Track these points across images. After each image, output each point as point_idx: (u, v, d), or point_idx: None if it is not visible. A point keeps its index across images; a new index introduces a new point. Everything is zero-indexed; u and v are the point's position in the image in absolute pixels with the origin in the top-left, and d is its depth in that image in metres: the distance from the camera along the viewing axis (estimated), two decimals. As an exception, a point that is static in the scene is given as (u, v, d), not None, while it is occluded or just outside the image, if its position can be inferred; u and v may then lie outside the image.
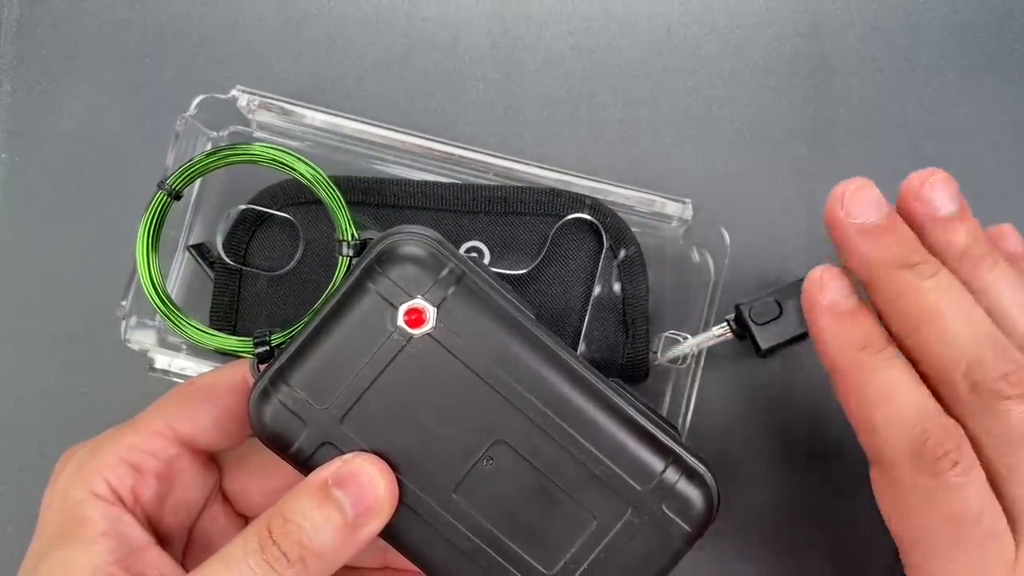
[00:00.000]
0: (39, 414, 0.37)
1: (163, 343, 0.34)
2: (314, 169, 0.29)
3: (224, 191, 0.36)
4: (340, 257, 0.28)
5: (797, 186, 0.38)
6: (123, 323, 0.33)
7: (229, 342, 0.29)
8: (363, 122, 0.35)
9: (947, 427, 0.25)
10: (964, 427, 0.25)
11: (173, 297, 0.35)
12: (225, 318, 0.34)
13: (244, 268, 0.34)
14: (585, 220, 0.34)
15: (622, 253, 0.34)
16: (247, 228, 0.35)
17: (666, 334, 0.34)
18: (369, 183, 0.34)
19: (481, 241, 0.35)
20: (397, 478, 0.25)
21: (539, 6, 0.39)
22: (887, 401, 0.25)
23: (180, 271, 0.36)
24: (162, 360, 0.33)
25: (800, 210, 0.38)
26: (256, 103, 0.35)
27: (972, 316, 0.25)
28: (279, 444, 0.26)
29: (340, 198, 0.29)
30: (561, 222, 0.34)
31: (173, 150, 0.34)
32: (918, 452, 0.24)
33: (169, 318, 0.29)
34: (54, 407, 0.37)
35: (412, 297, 0.25)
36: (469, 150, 0.34)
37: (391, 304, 0.25)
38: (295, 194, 0.34)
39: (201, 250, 0.35)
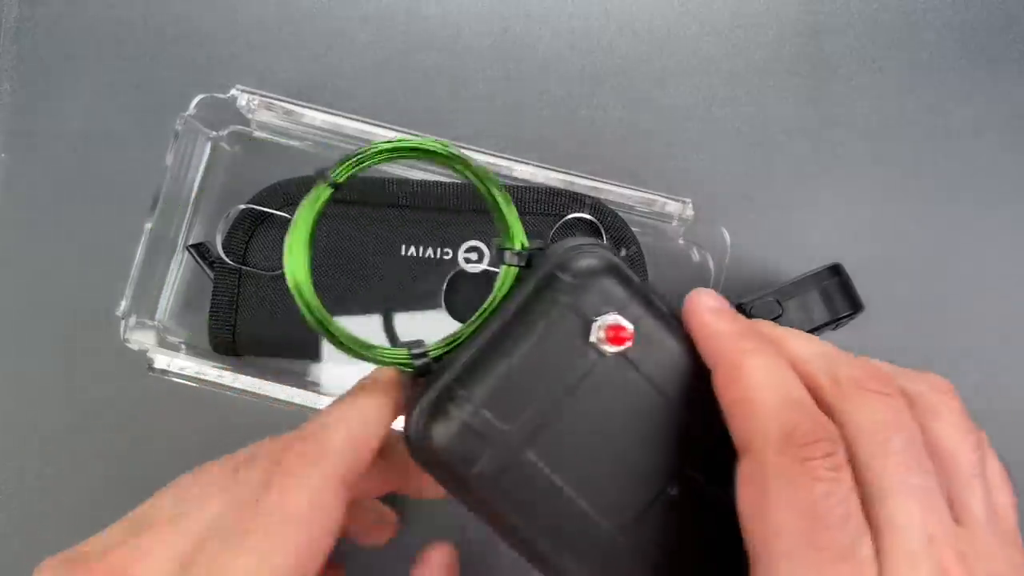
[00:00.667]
0: (38, 413, 0.37)
1: (162, 343, 0.34)
2: (485, 172, 0.27)
3: (223, 191, 0.36)
4: (505, 266, 0.26)
5: (798, 186, 0.38)
6: (122, 323, 0.33)
7: (384, 352, 0.26)
8: (363, 121, 0.35)
9: (822, 421, 0.23)
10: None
11: (171, 298, 0.35)
12: (225, 317, 0.34)
13: (243, 268, 0.34)
14: (585, 219, 0.34)
15: (623, 252, 0.34)
16: (247, 228, 0.34)
17: None
18: (369, 182, 0.34)
19: (481, 241, 0.35)
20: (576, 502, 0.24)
21: (539, 5, 0.39)
22: (765, 385, 0.24)
23: (179, 271, 0.36)
24: (161, 360, 0.33)
25: (801, 209, 0.38)
26: (256, 102, 0.35)
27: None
28: (453, 466, 0.23)
29: (510, 202, 0.27)
30: (561, 221, 0.34)
31: (173, 150, 0.34)
32: (788, 435, 0.23)
33: (317, 319, 0.26)
34: (53, 406, 0.37)
35: (607, 312, 0.24)
36: (469, 150, 0.34)
37: (585, 319, 0.24)
38: (295, 194, 0.34)
39: (200, 250, 0.35)
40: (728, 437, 0.23)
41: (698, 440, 0.24)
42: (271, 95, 0.35)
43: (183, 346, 0.34)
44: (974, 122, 0.39)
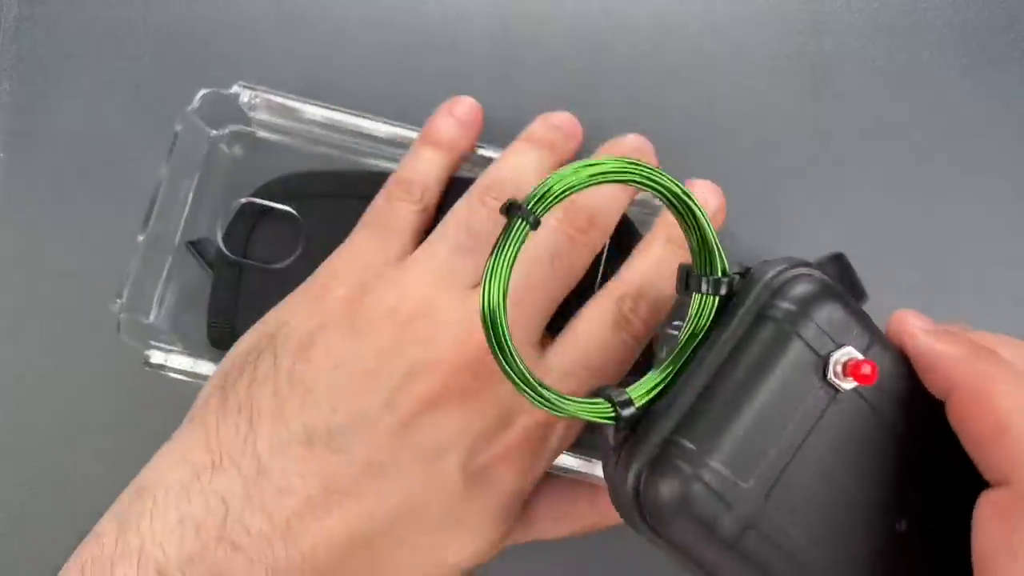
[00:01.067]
0: (36, 412, 0.37)
1: (159, 339, 0.34)
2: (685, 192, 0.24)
3: (224, 188, 0.36)
4: (703, 296, 0.24)
5: (798, 185, 0.38)
6: (119, 320, 0.33)
7: (582, 407, 0.23)
8: (365, 117, 0.35)
9: None
10: None
11: (169, 295, 0.35)
12: (224, 312, 0.34)
13: (244, 261, 0.34)
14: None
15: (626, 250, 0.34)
16: (247, 222, 0.34)
17: (667, 329, 0.34)
18: (371, 178, 0.34)
19: None
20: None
21: (539, 4, 0.39)
22: (1018, 410, 0.22)
23: (177, 268, 0.35)
24: (158, 356, 0.33)
25: (801, 208, 0.38)
26: (258, 99, 0.35)
27: None
28: (686, 531, 0.21)
29: (711, 228, 0.24)
30: None
31: (172, 149, 0.34)
32: None
33: (522, 384, 0.22)
34: (51, 405, 0.37)
35: (841, 345, 0.22)
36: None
37: (818, 354, 0.22)
38: (297, 188, 0.34)
39: (199, 246, 0.34)
40: (957, 467, 0.22)
41: (925, 471, 0.23)
42: (273, 91, 0.35)
43: (180, 342, 0.34)
44: (975, 121, 0.39)
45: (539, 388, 0.22)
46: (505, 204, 0.22)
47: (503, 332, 0.22)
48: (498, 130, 0.38)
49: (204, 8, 0.39)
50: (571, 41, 0.39)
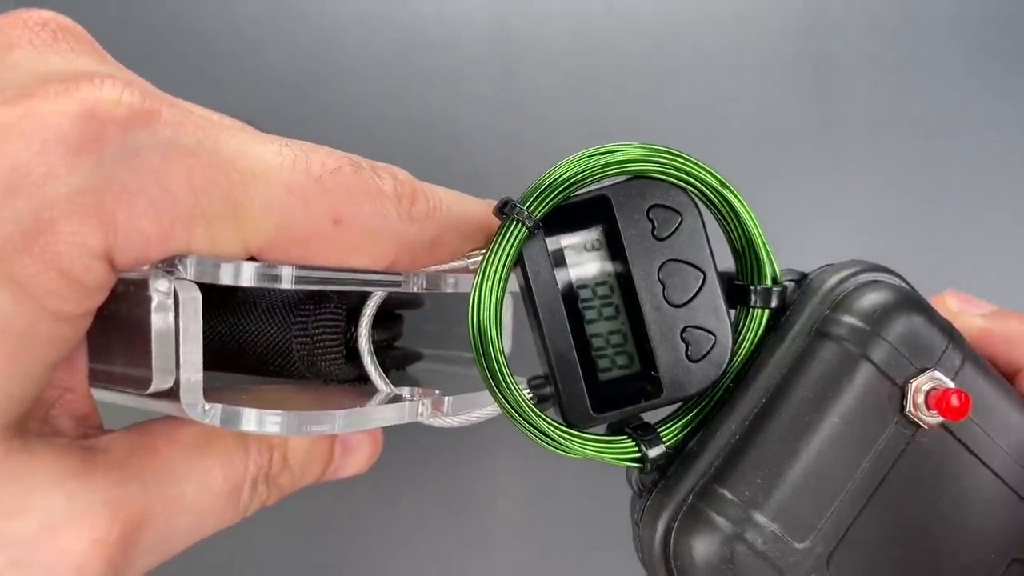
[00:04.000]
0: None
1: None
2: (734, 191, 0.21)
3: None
4: (752, 309, 0.21)
5: (800, 184, 0.38)
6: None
7: (599, 448, 0.20)
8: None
9: None
10: None
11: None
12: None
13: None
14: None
15: None
16: None
17: None
18: None
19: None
20: None
21: (539, 2, 0.39)
22: None
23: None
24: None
25: (802, 208, 0.38)
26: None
27: None
28: None
29: (759, 228, 0.21)
30: None
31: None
32: None
33: (521, 419, 0.20)
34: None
35: (923, 370, 0.18)
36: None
37: (893, 381, 0.18)
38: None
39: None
40: None
41: None
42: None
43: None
44: (976, 121, 0.39)
45: (540, 422, 0.20)
46: (499, 203, 0.20)
47: (496, 353, 0.19)
48: (497, 128, 0.38)
49: (199, 8, 0.38)
50: (571, 39, 0.39)
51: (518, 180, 0.37)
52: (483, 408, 0.22)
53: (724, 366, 0.20)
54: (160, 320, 0.18)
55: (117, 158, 0.16)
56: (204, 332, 0.18)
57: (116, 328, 0.18)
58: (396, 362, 0.25)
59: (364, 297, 0.22)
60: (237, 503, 0.20)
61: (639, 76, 0.39)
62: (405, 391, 0.22)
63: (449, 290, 0.22)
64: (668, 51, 0.39)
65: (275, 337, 0.22)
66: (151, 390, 0.18)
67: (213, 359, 0.19)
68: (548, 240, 0.20)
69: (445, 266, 0.21)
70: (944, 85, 0.39)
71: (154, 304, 0.18)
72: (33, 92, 0.16)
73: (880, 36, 0.39)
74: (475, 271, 0.20)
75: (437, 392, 0.22)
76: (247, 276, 0.18)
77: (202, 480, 0.19)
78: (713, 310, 0.20)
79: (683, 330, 0.20)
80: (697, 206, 0.21)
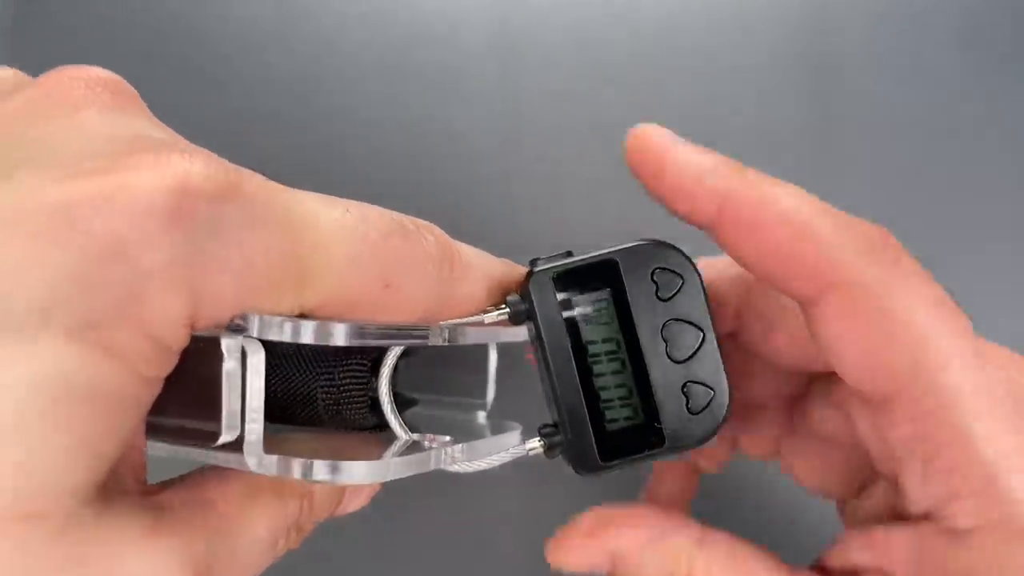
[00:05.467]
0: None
1: None
2: None
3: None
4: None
5: (801, 184, 0.38)
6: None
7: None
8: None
9: None
10: None
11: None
12: None
13: None
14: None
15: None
16: None
17: None
18: None
19: None
20: None
21: (539, 2, 0.39)
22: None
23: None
24: None
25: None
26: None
27: None
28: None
29: None
30: None
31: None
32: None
33: None
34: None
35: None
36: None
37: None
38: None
39: None
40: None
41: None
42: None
43: None
44: (977, 121, 0.39)
45: None
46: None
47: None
48: (496, 128, 0.38)
49: (200, 7, 0.38)
50: (571, 38, 0.39)
51: (518, 180, 0.38)
52: (497, 454, 0.23)
53: (722, 417, 0.22)
54: (230, 377, 0.19)
55: (204, 230, 0.17)
56: None
57: (181, 383, 0.19)
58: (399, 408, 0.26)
59: (383, 348, 0.23)
60: (275, 551, 0.21)
61: (638, 76, 0.39)
62: (419, 437, 0.23)
63: (470, 342, 0.24)
64: (668, 50, 0.39)
65: (301, 387, 0.23)
66: (219, 443, 0.19)
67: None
68: (560, 298, 0.23)
69: (464, 320, 0.23)
70: (946, 85, 0.39)
71: (225, 362, 0.19)
72: (126, 163, 0.17)
73: (881, 36, 0.39)
74: (491, 325, 0.23)
75: (448, 438, 0.23)
76: (307, 335, 0.19)
77: (251, 534, 0.20)
78: (712, 365, 0.22)
79: (684, 385, 0.22)
80: (696, 269, 0.23)
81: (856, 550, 0.23)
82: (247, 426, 0.19)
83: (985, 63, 0.39)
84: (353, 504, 0.24)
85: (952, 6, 0.39)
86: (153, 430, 0.20)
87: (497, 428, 0.25)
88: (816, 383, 0.27)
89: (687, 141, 0.23)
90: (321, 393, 0.23)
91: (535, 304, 0.23)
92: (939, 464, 0.20)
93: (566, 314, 0.23)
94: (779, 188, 0.22)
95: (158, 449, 0.21)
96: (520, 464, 0.23)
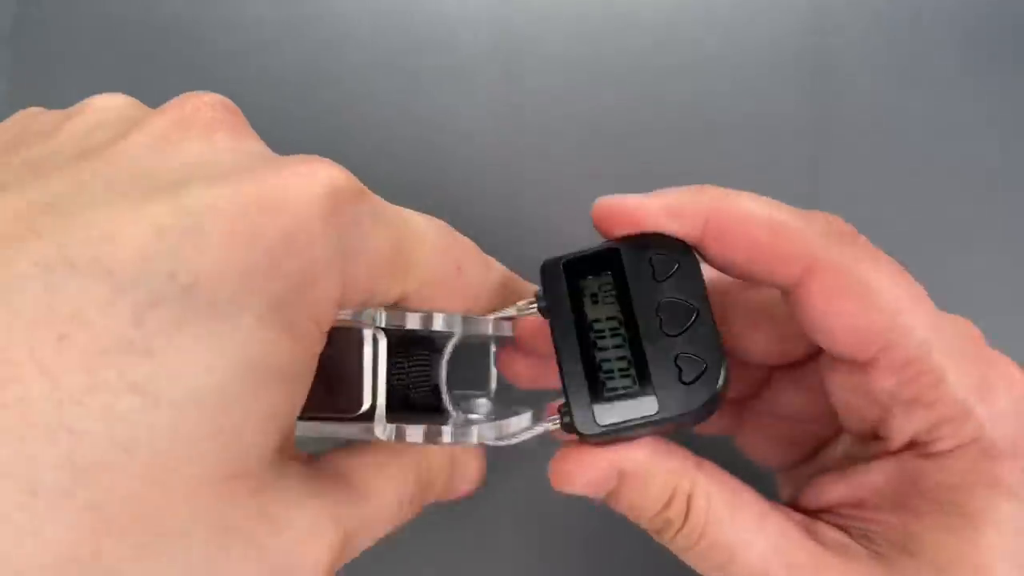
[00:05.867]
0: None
1: None
2: None
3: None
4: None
5: (800, 184, 0.38)
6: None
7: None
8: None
9: None
10: None
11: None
12: None
13: None
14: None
15: None
16: None
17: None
18: None
19: None
20: None
21: (540, 2, 0.39)
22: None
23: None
24: None
25: (803, 207, 0.38)
26: None
27: None
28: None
29: None
30: None
31: None
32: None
33: None
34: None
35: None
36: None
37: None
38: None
39: None
40: None
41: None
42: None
43: None
44: (978, 121, 0.39)
45: None
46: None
47: None
48: (497, 128, 0.38)
49: (202, 7, 0.39)
50: (571, 38, 0.39)
51: (517, 180, 0.38)
52: (527, 429, 0.26)
53: (717, 389, 0.23)
54: (368, 358, 0.24)
55: (348, 226, 0.21)
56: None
57: (322, 367, 0.22)
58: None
59: (436, 341, 0.28)
60: (401, 515, 0.25)
61: (638, 76, 0.39)
62: (471, 417, 0.27)
63: (505, 334, 0.29)
64: (667, 51, 0.39)
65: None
66: (359, 412, 0.24)
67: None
68: (568, 283, 0.26)
69: (503, 312, 0.27)
70: (943, 86, 0.39)
71: (365, 346, 0.24)
72: (279, 172, 0.20)
73: (880, 36, 0.39)
74: (519, 317, 0.27)
75: (483, 417, 0.28)
76: (439, 323, 0.25)
77: (382, 499, 0.24)
78: (706, 341, 0.24)
79: (676, 357, 0.24)
80: (693, 254, 0.25)
81: (833, 488, 0.26)
82: (378, 399, 0.24)
83: (984, 63, 0.39)
84: (463, 488, 0.28)
85: (951, 6, 0.39)
86: None
87: (509, 414, 0.28)
88: (778, 372, 0.30)
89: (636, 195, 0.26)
90: (394, 379, 0.27)
91: (545, 287, 0.26)
92: (921, 402, 0.23)
93: (572, 294, 0.25)
94: (743, 197, 0.24)
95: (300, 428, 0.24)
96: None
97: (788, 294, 0.24)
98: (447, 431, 0.24)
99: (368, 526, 0.24)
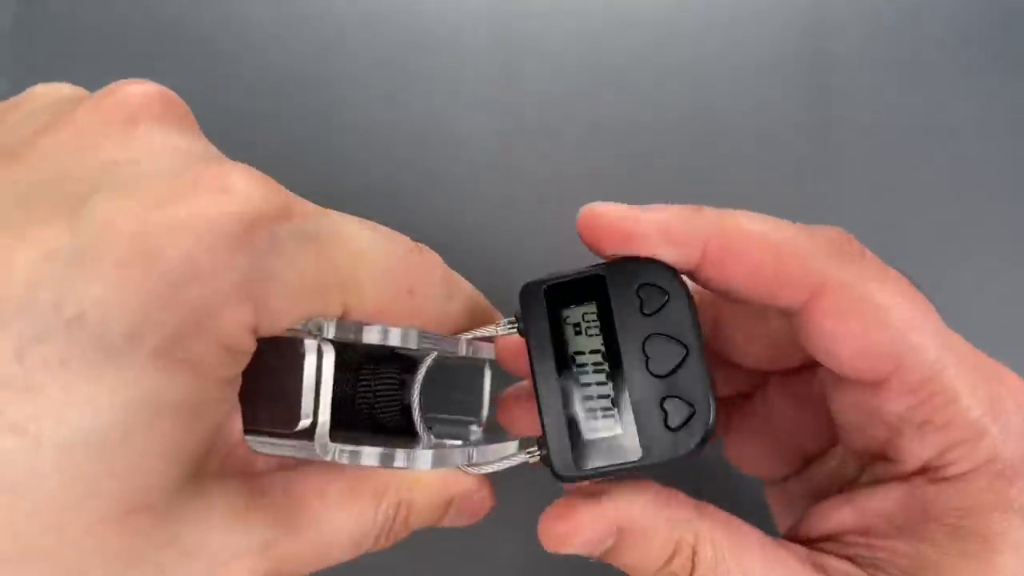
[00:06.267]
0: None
1: None
2: None
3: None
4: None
5: (800, 183, 0.38)
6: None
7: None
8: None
9: None
10: None
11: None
12: None
13: None
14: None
15: None
16: None
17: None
18: None
19: None
20: None
21: (540, 2, 0.39)
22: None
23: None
24: None
25: (803, 209, 0.38)
26: None
27: None
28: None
29: None
30: None
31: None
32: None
33: None
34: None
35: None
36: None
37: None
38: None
39: None
40: None
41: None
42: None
43: None
44: (976, 120, 0.39)
45: None
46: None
47: None
48: (497, 129, 0.38)
49: (202, 8, 0.38)
50: (571, 39, 0.39)
51: (517, 180, 0.38)
52: (504, 458, 0.24)
53: (702, 436, 0.22)
54: (309, 372, 0.21)
55: (265, 248, 0.19)
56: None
57: (264, 380, 0.22)
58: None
59: (413, 360, 0.25)
60: (356, 551, 0.23)
61: (638, 76, 0.39)
62: (438, 441, 0.25)
63: (486, 356, 0.27)
64: (667, 51, 0.39)
65: (341, 392, 0.25)
66: (296, 429, 0.22)
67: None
68: (550, 310, 0.23)
69: (480, 332, 0.24)
70: (942, 86, 0.39)
71: (306, 359, 0.21)
72: (194, 188, 0.18)
73: (878, 36, 0.39)
74: (484, 344, 0.25)
75: (460, 443, 0.25)
76: (394, 338, 0.22)
77: (334, 535, 0.22)
78: (695, 382, 0.22)
79: (662, 400, 0.22)
80: (684, 285, 0.23)
81: (838, 514, 0.24)
82: (320, 415, 0.22)
83: (983, 63, 0.39)
84: (462, 522, 0.26)
85: (950, 6, 0.39)
86: (247, 422, 0.22)
87: (494, 440, 0.26)
88: (774, 379, 0.29)
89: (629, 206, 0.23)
90: (359, 398, 0.25)
91: (523, 313, 0.24)
92: (934, 424, 0.22)
93: (553, 325, 0.23)
94: (742, 218, 0.23)
95: (258, 445, 0.23)
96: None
97: (792, 315, 0.23)
98: (400, 455, 0.22)
99: (306, 558, 0.22)
